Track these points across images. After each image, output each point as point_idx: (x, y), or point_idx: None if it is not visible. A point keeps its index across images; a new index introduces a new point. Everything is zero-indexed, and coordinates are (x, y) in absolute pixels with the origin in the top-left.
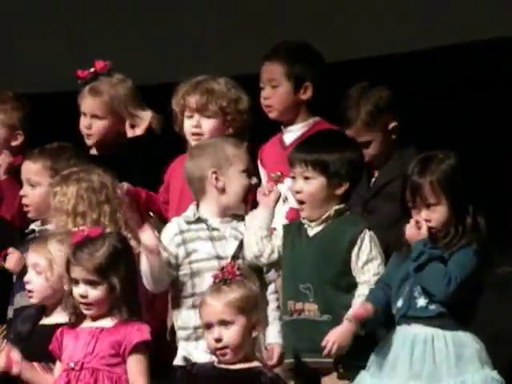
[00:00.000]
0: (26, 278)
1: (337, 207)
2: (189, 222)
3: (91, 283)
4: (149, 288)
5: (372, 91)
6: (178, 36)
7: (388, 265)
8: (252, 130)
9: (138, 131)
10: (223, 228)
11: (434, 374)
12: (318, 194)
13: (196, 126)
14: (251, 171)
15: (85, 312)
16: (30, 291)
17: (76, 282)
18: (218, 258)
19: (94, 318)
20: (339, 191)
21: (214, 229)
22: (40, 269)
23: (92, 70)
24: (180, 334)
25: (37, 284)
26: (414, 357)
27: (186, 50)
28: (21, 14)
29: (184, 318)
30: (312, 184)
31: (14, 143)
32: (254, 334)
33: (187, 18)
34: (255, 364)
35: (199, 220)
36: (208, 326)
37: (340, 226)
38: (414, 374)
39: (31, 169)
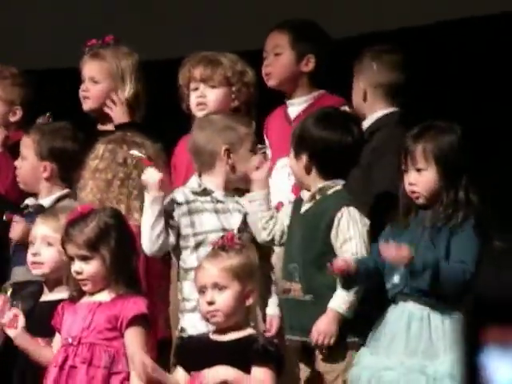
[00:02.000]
0: (33, 250)
1: (321, 185)
2: (195, 193)
3: (84, 258)
4: (147, 249)
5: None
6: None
7: (380, 239)
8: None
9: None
10: (227, 201)
11: (431, 351)
12: (298, 173)
13: (201, 96)
14: (257, 150)
15: (83, 288)
16: (36, 263)
17: (71, 258)
18: (224, 230)
19: (93, 293)
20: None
21: (218, 201)
22: (51, 241)
23: (100, 41)
24: (184, 305)
25: (47, 256)
26: (410, 334)
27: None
28: None
29: (188, 290)
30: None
31: (12, 119)
32: (248, 302)
33: None
34: (248, 332)
35: (204, 192)
36: (202, 290)
37: (323, 204)
38: (410, 351)
39: (23, 142)
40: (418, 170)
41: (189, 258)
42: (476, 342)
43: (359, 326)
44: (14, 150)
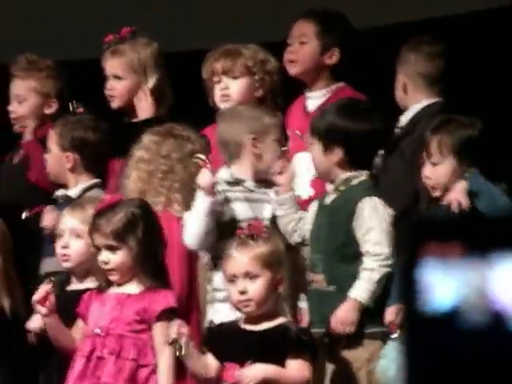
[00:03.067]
0: (62, 243)
1: (346, 175)
2: (227, 183)
3: (110, 248)
4: (193, 244)
5: None
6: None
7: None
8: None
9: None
10: (257, 191)
11: None
12: (317, 160)
13: (224, 88)
14: (283, 141)
15: (110, 278)
16: (64, 255)
17: (98, 249)
18: (255, 219)
19: (120, 284)
20: (335, 158)
21: (250, 190)
22: (80, 233)
23: (117, 35)
24: (215, 295)
25: (75, 248)
26: None
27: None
28: None
29: (219, 280)
30: (312, 150)
31: (47, 111)
32: (279, 290)
33: None
34: (280, 320)
35: (236, 181)
36: (232, 279)
37: (347, 195)
38: None
39: (49, 134)
40: (434, 164)
41: (220, 248)
42: (415, 257)
43: (383, 316)
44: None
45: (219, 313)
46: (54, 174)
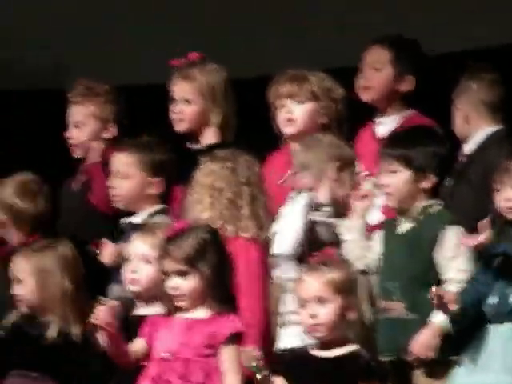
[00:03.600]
0: (132, 267)
1: (425, 203)
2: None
3: (181, 274)
4: (287, 250)
5: None
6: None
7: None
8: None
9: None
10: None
11: None
12: (404, 188)
13: (288, 112)
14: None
15: (178, 305)
16: (133, 279)
17: (167, 274)
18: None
19: (188, 310)
20: (425, 185)
21: (328, 216)
22: (149, 259)
23: (186, 59)
24: (287, 318)
25: (144, 273)
26: (507, 351)
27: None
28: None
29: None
30: (397, 177)
31: (105, 135)
32: (349, 316)
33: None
34: (351, 348)
35: (317, 206)
36: (303, 304)
37: (426, 223)
38: (507, 368)
39: (122, 160)
40: None
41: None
42: None
43: (461, 343)
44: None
45: (291, 337)
46: (130, 199)
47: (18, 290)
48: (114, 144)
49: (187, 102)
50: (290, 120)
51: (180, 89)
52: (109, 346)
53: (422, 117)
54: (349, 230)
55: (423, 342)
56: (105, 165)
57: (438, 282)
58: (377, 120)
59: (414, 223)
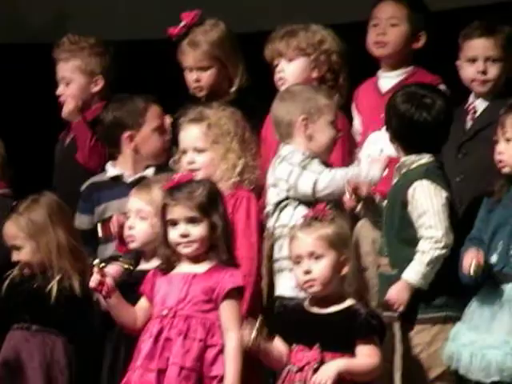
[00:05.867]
0: (128, 223)
1: (404, 159)
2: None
3: (192, 221)
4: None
5: None
6: None
7: (478, 216)
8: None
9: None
10: None
11: None
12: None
13: (280, 71)
14: (337, 124)
15: (184, 251)
16: (130, 236)
17: (174, 223)
18: None
19: (192, 259)
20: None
21: None
22: (145, 215)
23: (182, 24)
24: (283, 264)
25: (140, 230)
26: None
27: None
28: None
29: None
30: None
31: (94, 89)
32: (344, 271)
33: None
34: (348, 303)
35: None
36: (297, 260)
37: (404, 179)
38: None
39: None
40: (508, 140)
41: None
42: None
43: (446, 299)
44: (96, 122)
45: (286, 284)
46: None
47: (19, 256)
48: (104, 98)
49: (202, 69)
50: (281, 79)
51: (191, 58)
52: (109, 309)
53: (426, 73)
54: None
55: (393, 297)
56: (94, 122)
57: (414, 240)
58: (380, 75)
59: (397, 178)
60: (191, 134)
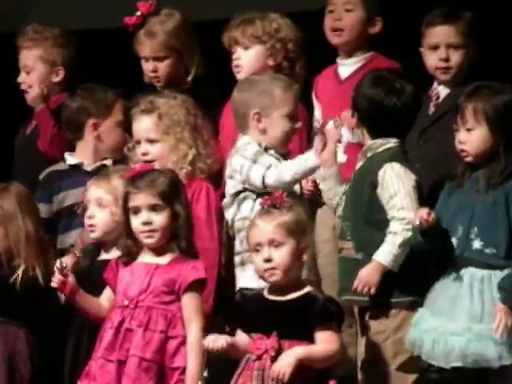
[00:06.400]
0: (88, 213)
1: (370, 142)
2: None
3: (155, 208)
4: (277, 182)
5: None
6: None
7: (440, 199)
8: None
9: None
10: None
11: (493, 315)
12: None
13: (236, 58)
14: (296, 115)
15: (146, 241)
16: (91, 225)
17: (136, 211)
18: None
19: (154, 250)
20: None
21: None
22: (104, 203)
23: (138, 13)
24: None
25: (100, 219)
26: (473, 297)
27: None
28: None
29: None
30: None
31: (54, 79)
32: (303, 258)
33: None
34: (306, 290)
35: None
36: (257, 248)
37: (371, 162)
38: (475, 315)
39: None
40: (468, 129)
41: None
42: None
43: (411, 285)
44: (58, 112)
45: (248, 276)
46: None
47: None
48: (66, 89)
49: (158, 59)
50: (237, 67)
51: (148, 48)
52: (73, 304)
53: (385, 59)
54: (323, 180)
55: (364, 278)
56: (54, 111)
57: (382, 222)
58: (339, 62)
59: (363, 161)
60: (143, 125)
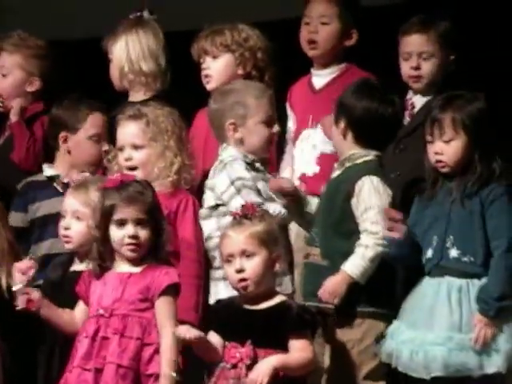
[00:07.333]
0: (64, 224)
1: (352, 152)
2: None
3: (141, 222)
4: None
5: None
6: None
7: (411, 212)
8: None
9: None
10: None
11: (472, 324)
12: (336, 139)
13: (205, 68)
14: (273, 120)
15: (128, 254)
16: (66, 236)
17: (122, 223)
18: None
19: (131, 261)
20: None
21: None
22: (81, 215)
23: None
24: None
25: (76, 230)
26: (451, 307)
27: None
28: None
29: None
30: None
31: (28, 89)
32: (276, 268)
33: None
34: (279, 299)
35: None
36: (229, 259)
37: (349, 172)
38: (454, 325)
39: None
40: (446, 141)
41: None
42: None
43: (377, 296)
44: (31, 122)
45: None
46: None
47: None
48: (39, 99)
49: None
50: (207, 76)
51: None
52: (44, 319)
53: (359, 70)
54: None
55: (330, 288)
56: (28, 121)
57: (352, 232)
58: (313, 72)
59: (341, 171)
60: (129, 131)
